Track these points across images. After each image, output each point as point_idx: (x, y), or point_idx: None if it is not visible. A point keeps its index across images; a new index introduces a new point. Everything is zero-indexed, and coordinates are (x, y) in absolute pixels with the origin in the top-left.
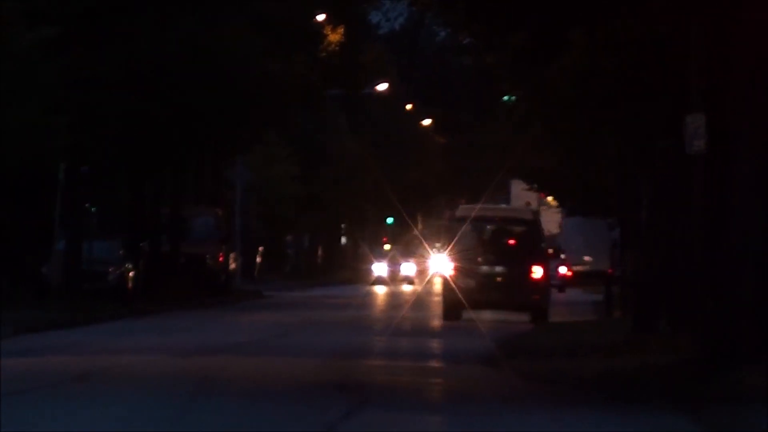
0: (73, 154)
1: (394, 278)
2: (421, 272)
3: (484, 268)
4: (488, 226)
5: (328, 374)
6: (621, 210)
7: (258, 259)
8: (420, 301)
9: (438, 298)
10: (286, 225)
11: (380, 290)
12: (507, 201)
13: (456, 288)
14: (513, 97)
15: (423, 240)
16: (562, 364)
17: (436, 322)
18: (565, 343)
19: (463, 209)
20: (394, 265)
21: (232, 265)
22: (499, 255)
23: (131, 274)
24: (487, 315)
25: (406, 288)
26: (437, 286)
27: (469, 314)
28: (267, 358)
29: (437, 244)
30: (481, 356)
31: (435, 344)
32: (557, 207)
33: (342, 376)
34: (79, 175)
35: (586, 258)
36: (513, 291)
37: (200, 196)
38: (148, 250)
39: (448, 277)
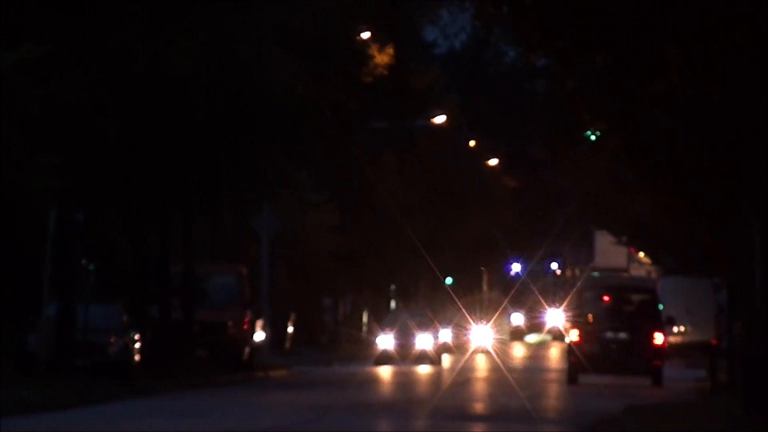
0: (64, 198)
1: (405, 354)
2: (459, 346)
3: (609, 334)
4: (611, 294)
5: None
6: (729, 268)
7: (289, 328)
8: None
9: (482, 378)
10: (323, 286)
11: (386, 371)
12: (590, 255)
13: (580, 353)
14: (597, 132)
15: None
16: None
17: (489, 403)
18: (662, 429)
19: (586, 279)
20: (404, 337)
21: (259, 335)
22: (622, 322)
23: (137, 345)
24: (597, 380)
25: (422, 369)
26: (481, 365)
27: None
28: None
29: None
30: None
31: (503, 430)
32: (650, 264)
33: None
34: (73, 224)
35: (677, 328)
36: (636, 356)
37: (218, 251)
38: (156, 317)
39: (573, 343)
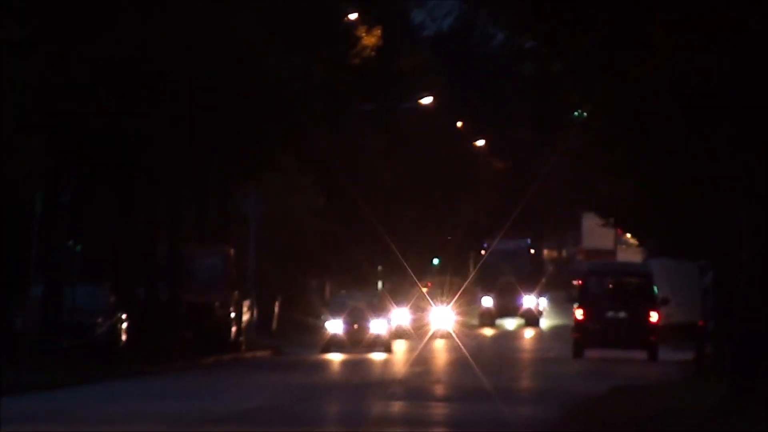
0: (50, 180)
1: (356, 340)
2: (419, 328)
3: (610, 314)
4: (612, 278)
5: None
6: (715, 250)
7: (276, 310)
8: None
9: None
10: (309, 268)
11: (337, 358)
12: (578, 238)
13: (584, 330)
14: (584, 114)
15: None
16: None
17: (471, 384)
18: (646, 409)
19: (590, 264)
20: (355, 322)
21: (245, 317)
22: (621, 302)
23: (123, 326)
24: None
25: (377, 355)
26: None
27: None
28: (284, 429)
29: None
30: (546, 424)
31: (487, 409)
32: (637, 246)
33: None
34: (59, 205)
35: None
36: (634, 332)
37: (205, 232)
38: (142, 298)
39: (578, 321)
